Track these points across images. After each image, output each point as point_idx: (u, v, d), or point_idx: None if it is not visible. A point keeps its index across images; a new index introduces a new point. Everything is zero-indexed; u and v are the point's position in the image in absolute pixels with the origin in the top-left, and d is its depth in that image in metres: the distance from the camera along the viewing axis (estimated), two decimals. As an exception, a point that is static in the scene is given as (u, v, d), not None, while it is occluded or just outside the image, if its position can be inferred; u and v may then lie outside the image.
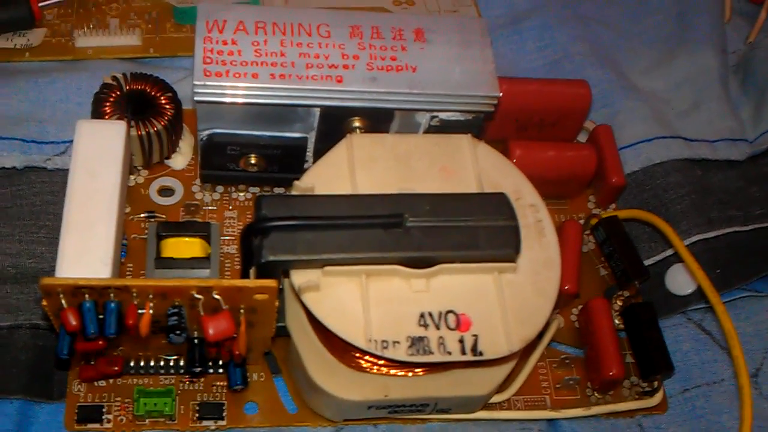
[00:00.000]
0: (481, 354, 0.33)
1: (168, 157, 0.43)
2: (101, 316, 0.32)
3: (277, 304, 0.33)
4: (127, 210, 0.41)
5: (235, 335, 0.32)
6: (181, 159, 0.43)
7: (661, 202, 0.45)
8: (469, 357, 0.33)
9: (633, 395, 0.40)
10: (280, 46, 0.37)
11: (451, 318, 0.34)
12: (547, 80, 0.45)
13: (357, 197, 0.35)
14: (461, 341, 0.33)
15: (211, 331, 0.31)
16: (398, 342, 0.33)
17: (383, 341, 0.33)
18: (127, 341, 0.33)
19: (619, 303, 0.42)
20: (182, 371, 0.37)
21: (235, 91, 0.37)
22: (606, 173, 0.44)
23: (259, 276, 0.33)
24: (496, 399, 0.39)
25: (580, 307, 0.42)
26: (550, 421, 0.40)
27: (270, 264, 0.33)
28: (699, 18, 0.53)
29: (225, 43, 0.37)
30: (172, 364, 0.37)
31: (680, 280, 0.43)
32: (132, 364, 0.37)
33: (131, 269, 0.40)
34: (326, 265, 0.33)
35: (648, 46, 0.52)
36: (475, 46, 0.39)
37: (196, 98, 0.37)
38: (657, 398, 0.40)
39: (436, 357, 0.33)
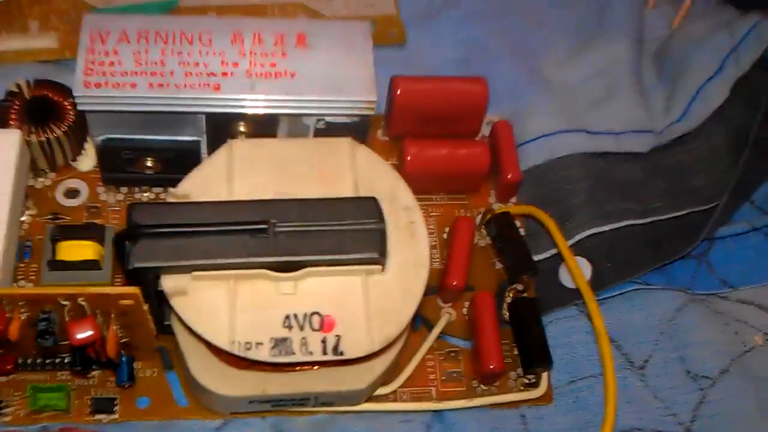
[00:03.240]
0: (341, 353, 0.35)
1: (74, 160, 0.44)
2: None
3: (145, 307, 0.34)
4: (33, 212, 0.43)
5: (98, 339, 0.33)
6: (87, 161, 0.45)
7: (560, 195, 0.46)
8: (330, 356, 0.34)
9: (518, 387, 0.42)
10: (160, 55, 0.39)
11: (316, 319, 0.35)
12: (444, 78, 0.45)
13: (227, 204, 0.36)
14: (324, 341, 0.35)
15: (76, 336, 0.33)
16: (261, 343, 0.34)
17: (246, 343, 0.34)
18: (19, 343, 0.35)
19: (511, 296, 0.43)
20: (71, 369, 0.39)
21: (116, 100, 0.38)
22: (502, 169, 0.45)
23: (129, 281, 0.35)
24: (382, 391, 0.40)
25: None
26: (436, 412, 0.41)
27: (137, 270, 0.34)
28: (618, 6, 0.53)
29: (107, 53, 0.38)
30: (66, 361, 0.39)
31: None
32: (29, 361, 0.39)
33: (35, 269, 0.41)
34: (194, 270, 0.35)
35: (566, 37, 0.52)
36: (356, 50, 0.40)
37: (78, 108, 0.38)
38: (541, 390, 0.41)
39: (298, 357, 0.34)
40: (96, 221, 0.43)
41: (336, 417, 0.40)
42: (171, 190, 0.37)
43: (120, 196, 0.44)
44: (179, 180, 0.43)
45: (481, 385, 0.41)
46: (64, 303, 0.33)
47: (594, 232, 0.45)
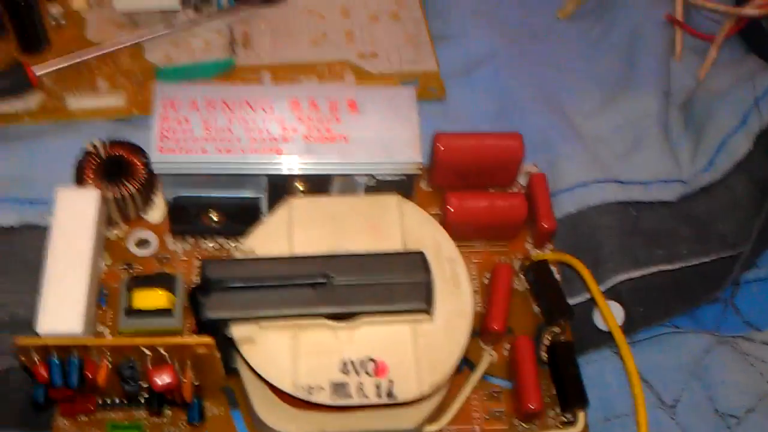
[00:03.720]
0: (394, 397, 0.38)
1: (144, 212, 0.48)
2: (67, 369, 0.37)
3: (218, 354, 0.38)
4: (108, 262, 0.47)
5: (179, 384, 0.37)
6: (157, 213, 0.49)
7: (593, 242, 0.49)
8: (384, 400, 0.38)
9: (557, 425, 0.45)
10: (227, 122, 0.42)
11: (370, 365, 0.39)
12: (483, 134, 0.49)
13: (289, 259, 0.40)
14: (378, 386, 0.38)
15: (157, 383, 0.37)
16: (322, 387, 0.38)
17: (308, 386, 0.38)
18: (92, 387, 0.39)
19: (549, 338, 0.47)
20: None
21: (189, 164, 0.42)
22: (538, 218, 0.48)
23: (202, 329, 0.39)
24: (429, 429, 0.44)
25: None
26: (479, 449, 0.44)
27: (211, 321, 0.38)
28: (645, 59, 0.56)
29: (179, 122, 0.42)
30: (143, 401, 0.43)
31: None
32: (108, 401, 0.43)
33: (111, 317, 0.45)
34: (261, 320, 0.39)
35: (596, 88, 0.56)
36: (403, 114, 0.44)
37: (155, 171, 0.42)
38: (578, 428, 0.44)
39: (355, 400, 0.38)
40: (166, 270, 0.47)
41: (387, 453, 0.44)
42: (238, 246, 0.41)
43: (187, 246, 0.48)
44: (241, 231, 0.47)
45: (522, 424, 0.45)
46: (147, 352, 0.37)
47: (626, 278, 0.48)
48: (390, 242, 0.42)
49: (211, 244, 0.48)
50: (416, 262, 0.40)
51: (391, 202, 0.43)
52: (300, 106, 0.43)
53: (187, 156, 0.42)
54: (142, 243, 0.48)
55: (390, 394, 0.38)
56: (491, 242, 0.49)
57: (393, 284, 0.39)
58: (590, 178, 0.51)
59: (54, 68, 0.54)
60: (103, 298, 0.46)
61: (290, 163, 0.42)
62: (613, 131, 0.54)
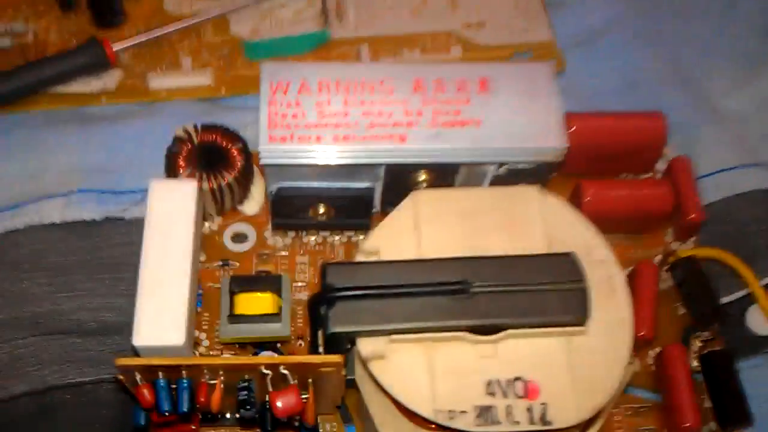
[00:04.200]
0: (550, 423, 0.33)
1: (241, 203, 0.44)
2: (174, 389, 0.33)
3: (344, 373, 0.33)
4: (203, 259, 0.42)
5: (303, 407, 0.32)
6: (253, 204, 0.44)
7: (743, 236, 0.44)
8: (538, 426, 0.33)
9: (712, 443, 0.40)
10: (343, 105, 0.37)
11: (519, 385, 0.34)
12: (620, 114, 0.43)
13: (422, 263, 0.35)
14: (530, 410, 0.33)
15: (279, 406, 0.32)
16: (465, 411, 0.33)
17: (450, 411, 0.33)
18: (202, 409, 0.34)
19: (698, 343, 0.41)
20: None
21: (300, 154, 0.37)
22: (684, 209, 0.42)
23: (326, 343, 0.34)
24: (569, 450, 0.39)
25: (657, 349, 0.41)
26: (625, 471, 0.39)
27: (336, 335, 0.33)
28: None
29: (289, 105, 0.37)
30: (247, 417, 0.38)
31: (761, 320, 0.42)
32: (209, 416, 0.38)
33: (207, 319, 0.41)
34: (392, 333, 0.34)
35: (730, 63, 0.50)
36: (541, 94, 0.38)
37: (261, 162, 0.37)
38: (736, 446, 0.39)
39: (504, 427, 0.33)
40: (266, 267, 0.42)
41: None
42: (360, 247, 0.36)
43: (288, 240, 0.43)
44: (347, 225, 0.42)
45: (673, 442, 0.39)
46: (267, 372, 0.32)
47: (780, 277, 0.42)
48: (532, 242, 0.36)
49: (313, 238, 0.43)
50: (568, 265, 0.35)
51: (531, 194, 0.37)
52: (424, 87, 0.38)
53: (300, 145, 0.37)
54: (239, 237, 0.43)
55: (544, 420, 0.33)
56: (626, 235, 0.44)
57: (543, 292, 0.34)
58: (735, 162, 0.45)
59: (132, 43, 0.49)
60: (199, 299, 0.41)
61: (416, 151, 0.37)
62: (754, 111, 0.48)
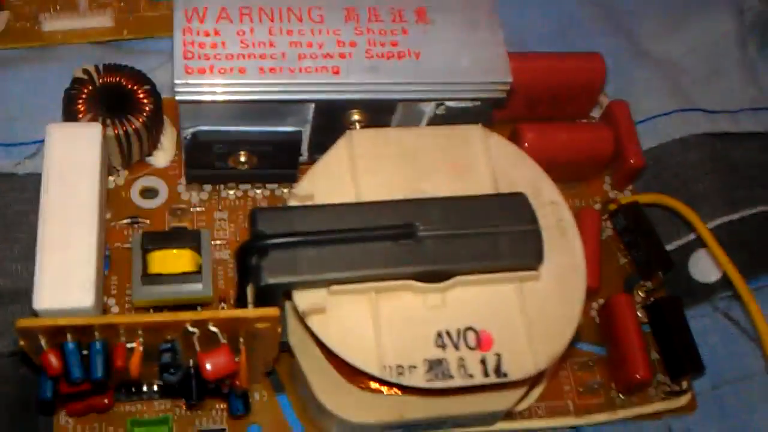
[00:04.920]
0: (505, 375, 0.30)
1: (149, 155, 0.39)
2: (86, 354, 0.28)
3: (279, 330, 0.30)
4: (108, 216, 0.38)
5: (236, 369, 0.29)
6: (163, 156, 0.40)
7: (682, 181, 0.42)
8: (492, 379, 0.30)
9: (659, 395, 0.38)
10: (268, 35, 0.34)
11: (471, 336, 0.31)
12: (558, 54, 0.41)
13: (362, 206, 0.32)
14: (483, 362, 0.30)
15: (209, 368, 0.28)
16: (415, 366, 0.30)
17: (398, 366, 0.30)
18: (118, 376, 0.30)
19: (641, 294, 0.39)
20: (178, 396, 0.34)
21: (221, 89, 0.33)
22: (623, 154, 0.40)
23: (257, 298, 0.30)
24: (516, 408, 0.36)
25: (600, 301, 0.39)
26: (574, 428, 0.37)
27: (270, 287, 0.30)
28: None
29: (207, 33, 0.33)
30: (170, 382, 0.34)
31: (705, 267, 0.41)
32: (123, 390, 0.34)
33: (116, 283, 0.36)
34: (332, 284, 0.30)
35: (661, 8, 0.48)
36: (483, 26, 0.35)
37: (177, 98, 0.33)
38: (686, 398, 0.37)
39: (457, 381, 0.30)
40: (181, 225, 0.38)
41: (469, 438, 0.36)
42: (293, 190, 0.32)
43: (204, 195, 0.39)
44: (271, 176, 0.39)
45: (621, 396, 0.38)
46: (193, 330, 0.28)
47: (724, 222, 0.41)
48: (478, 184, 0.33)
49: (232, 192, 0.39)
50: (520, 206, 0.32)
51: (475, 133, 0.34)
52: (357, 15, 0.35)
53: (221, 77, 0.33)
54: (149, 192, 0.39)
55: (499, 371, 0.30)
56: (564, 184, 0.41)
57: (494, 234, 0.31)
58: (671, 107, 0.44)
59: (19, -20, 0.43)
60: (106, 261, 0.37)
61: (351, 86, 0.33)
62: (686, 55, 0.47)
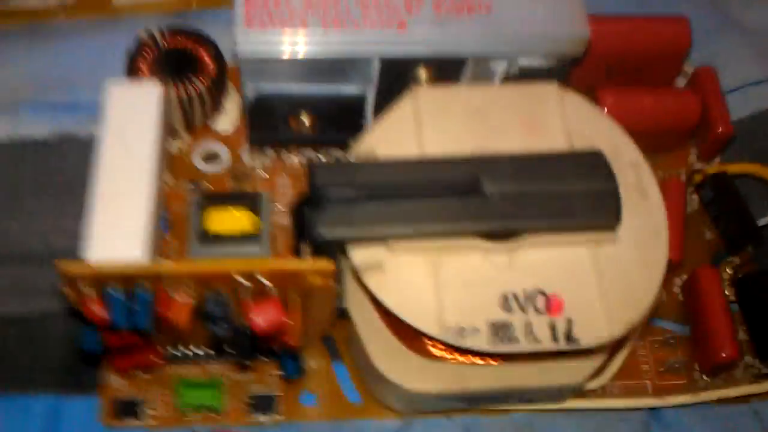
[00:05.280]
0: (576, 341, 0.28)
1: (212, 119, 0.38)
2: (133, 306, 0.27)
3: (335, 287, 0.28)
4: (170, 181, 0.37)
5: (287, 325, 0.27)
6: (227, 120, 0.39)
7: (774, 153, 0.39)
8: (562, 345, 0.28)
9: (748, 378, 0.35)
10: (332, -13, 0.32)
11: (540, 299, 0.29)
12: (641, 18, 0.39)
13: (425, 161, 0.30)
14: (552, 327, 0.28)
15: (259, 322, 0.27)
16: (477, 329, 0.28)
17: (460, 328, 0.28)
18: (166, 330, 0.29)
19: (729, 271, 0.37)
20: (231, 359, 0.33)
21: (283, 43, 0.32)
22: (710, 122, 0.38)
23: (313, 254, 0.29)
24: (589, 385, 0.34)
25: (684, 277, 0.37)
26: (652, 410, 0.35)
27: (326, 242, 0.28)
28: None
29: (269, -15, 0.32)
30: (219, 335, 0.33)
31: (799, 244, 0.38)
32: (176, 351, 0.33)
33: (176, 247, 0.36)
34: (392, 240, 0.29)
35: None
36: (558, -24, 0.33)
37: (238, 53, 0.32)
38: (777, 381, 0.35)
39: (523, 346, 0.28)
40: (244, 190, 0.37)
41: (535, 417, 0.34)
42: (354, 146, 0.31)
43: (267, 161, 0.38)
44: (335, 140, 0.37)
45: (705, 377, 0.35)
46: (243, 281, 0.27)
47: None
48: (552, 143, 0.31)
49: (296, 158, 0.38)
50: (594, 163, 0.30)
51: (550, 91, 0.32)
52: (424, -34, 0.33)
53: (282, 30, 0.31)
54: (211, 157, 0.38)
55: (570, 337, 0.28)
56: (648, 154, 0.39)
57: (566, 193, 0.29)
58: (761, 76, 0.41)
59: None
60: (165, 222, 0.36)
61: (417, 41, 0.32)
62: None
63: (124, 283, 0.27)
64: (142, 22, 0.43)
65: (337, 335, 0.35)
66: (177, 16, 0.43)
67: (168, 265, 0.27)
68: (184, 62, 0.37)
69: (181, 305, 0.27)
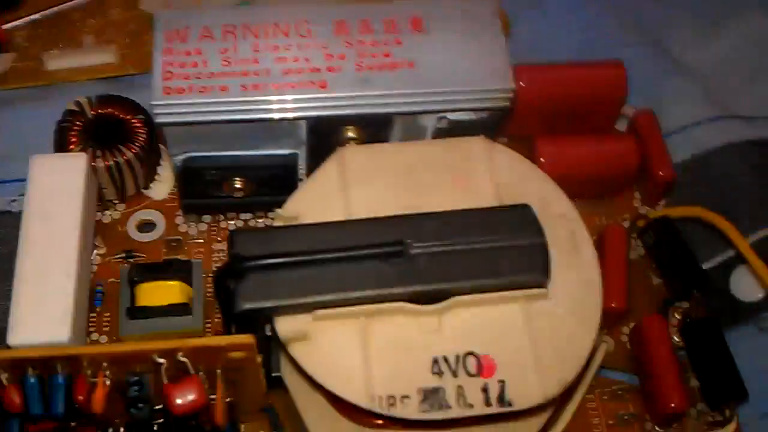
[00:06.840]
0: (510, 404, 0.27)
1: (146, 187, 0.38)
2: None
3: (259, 359, 0.27)
4: (102, 251, 0.36)
5: (207, 403, 0.26)
6: (162, 187, 0.38)
7: (719, 194, 0.39)
8: (495, 409, 0.27)
9: (702, 426, 0.34)
10: (252, 52, 0.32)
11: (471, 361, 0.28)
12: (575, 64, 0.38)
13: (348, 224, 0.29)
14: (485, 390, 0.27)
15: (178, 402, 0.26)
16: (408, 396, 0.27)
17: (389, 397, 0.27)
18: (87, 415, 0.28)
19: (677, 316, 0.36)
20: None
21: (202, 109, 0.31)
22: (651, 167, 0.37)
23: (238, 327, 0.28)
24: (538, 443, 0.33)
25: (632, 325, 0.36)
26: (604, 465, 0.34)
27: (247, 313, 0.27)
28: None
29: (188, 53, 0.32)
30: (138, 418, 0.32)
31: (747, 284, 0.37)
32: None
33: (108, 320, 0.35)
34: (316, 308, 0.28)
35: (690, 14, 0.45)
36: (483, 32, 0.33)
37: (156, 120, 0.31)
38: (731, 428, 0.34)
39: (455, 411, 0.27)
40: (178, 257, 0.36)
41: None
42: (278, 211, 0.30)
43: (203, 227, 0.37)
44: (270, 203, 0.37)
45: (657, 428, 0.34)
46: (161, 361, 0.26)
47: (765, 235, 0.37)
48: (480, 198, 0.31)
49: (232, 222, 0.37)
50: (521, 218, 0.29)
51: (477, 146, 0.32)
52: (348, 28, 0.33)
53: (201, 96, 0.31)
54: (146, 226, 0.37)
55: (503, 400, 0.27)
56: (589, 201, 0.38)
57: (494, 250, 0.29)
58: (706, 115, 0.41)
59: (26, 21, 0.43)
60: (99, 297, 0.35)
61: (340, 99, 0.31)
62: (720, 62, 0.44)
63: (43, 368, 0.26)
64: (76, 89, 0.42)
65: (279, 404, 0.34)
66: (112, 81, 0.43)
67: (84, 347, 0.26)
68: (113, 131, 0.36)
69: (96, 387, 0.26)
